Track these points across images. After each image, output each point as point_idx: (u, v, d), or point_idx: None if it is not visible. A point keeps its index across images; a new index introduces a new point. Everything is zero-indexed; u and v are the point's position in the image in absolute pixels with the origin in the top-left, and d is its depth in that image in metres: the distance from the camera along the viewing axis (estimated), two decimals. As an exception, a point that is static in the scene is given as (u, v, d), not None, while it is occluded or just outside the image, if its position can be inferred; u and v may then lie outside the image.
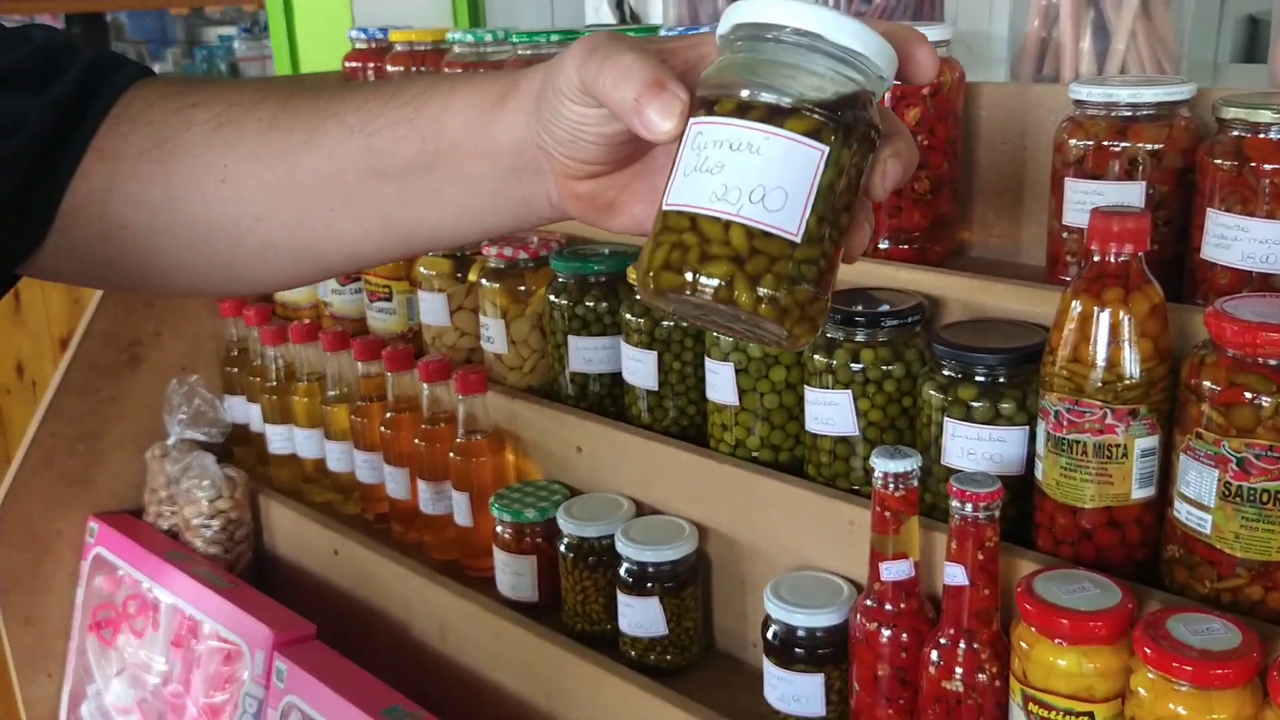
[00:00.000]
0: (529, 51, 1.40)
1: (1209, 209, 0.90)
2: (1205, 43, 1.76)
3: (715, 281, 0.47)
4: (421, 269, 1.38)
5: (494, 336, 1.31)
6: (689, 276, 0.47)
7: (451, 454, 1.28)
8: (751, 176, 0.47)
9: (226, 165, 0.62)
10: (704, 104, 0.50)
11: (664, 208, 0.49)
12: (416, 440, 1.32)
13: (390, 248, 0.64)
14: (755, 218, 0.47)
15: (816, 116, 0.48)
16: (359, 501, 1.45)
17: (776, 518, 1.06)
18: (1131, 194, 0.94)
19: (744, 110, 0.48)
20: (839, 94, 0.48)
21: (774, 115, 0.48)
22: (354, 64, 1.61)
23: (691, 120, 0.49)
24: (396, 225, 0.62)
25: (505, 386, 1.31)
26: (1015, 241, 1.14)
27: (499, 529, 1.21)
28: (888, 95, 1.05)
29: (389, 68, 1.55)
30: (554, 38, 1.38)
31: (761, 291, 0.47)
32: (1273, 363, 0.77)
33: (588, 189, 0.58)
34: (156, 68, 4.76)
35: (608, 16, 1.89)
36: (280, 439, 1.51)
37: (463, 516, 1.29)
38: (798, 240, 0.47)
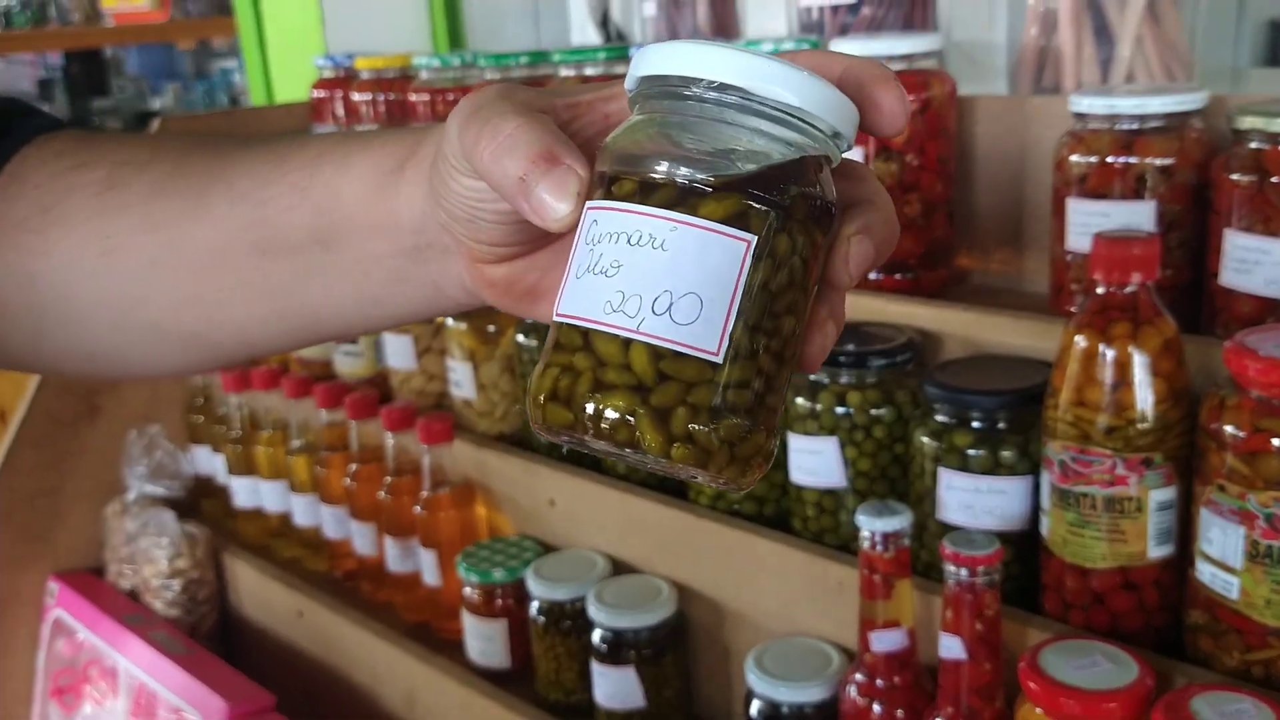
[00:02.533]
0: (498, 75, 1.32)
1: (1226, 230, 0.81)
2: (1223, 50, 1.66)
3: (613, 418, 0.36)
4: (387, 309, 1.29)
5: (461, 380, 1.23)
6: (581, 412, 0.37)
7: (417, 508, 1.19)
8: (656, 280, 0.36)
9: (110, 235, 0.54)
10: (603, 181, 0.39)
11: (554, 318, 0.39)
12: (381, 493, 1.23)
13: (288, 336, 0.56)
14: (661, 334, 0.36)
15: (740, 197, 0.37)
16: (327, 558, 1.36)
17: (761, 578, 0.96)
18: (1140, 215, 0.85)
19: (646, 192, 0.37)
20: (772, 164, 0.37)
21: (684, 198, 0.37)
22: (322, 93, 1.54)
23: (587, 205, 0.39)
24: (291, 311, 0.54)
25: (474, 434, 1.22)
26: (1018, 269, 1.05)
27: (467, 590, 1.12)
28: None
29: (355, 95, 1.47)
30: (522, 60, 1.30)
31: (674, 427, 0.36)
32: (1305, 404, 0.67)
33: (502, 274, 0.48)
34: (156, 103, 4.74)
35: (594, 36, 1.81)
36: (245, 491, 1.42)
37: (431, 575, 1.20)
38: (719, 360, 0.37)
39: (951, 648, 0.76)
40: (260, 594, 1.36)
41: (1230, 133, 0.82)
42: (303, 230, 0.51)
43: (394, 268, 0.50)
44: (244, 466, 1.42)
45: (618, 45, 1.29)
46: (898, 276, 1.02)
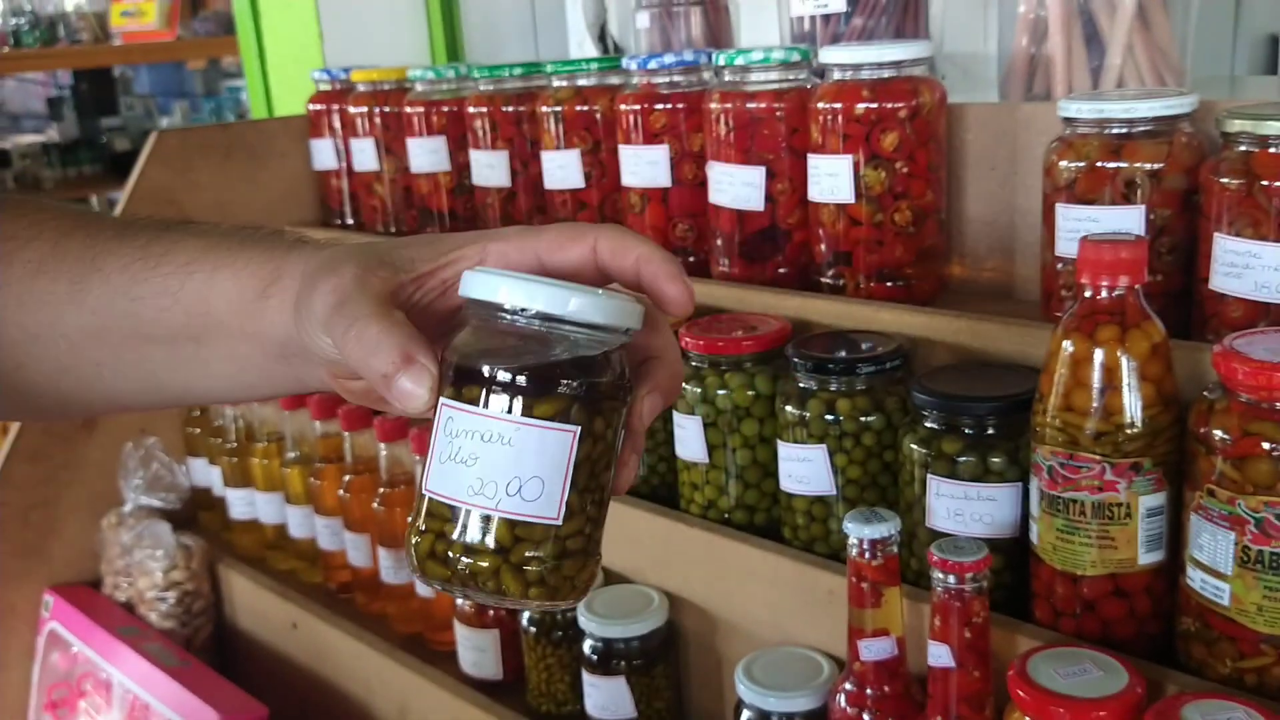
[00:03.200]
0: (491, 87, 1.32)
1: (1216, 234, 0.80)
2: (1220, 62, 1.66)
3: (482, 572, 0.47)
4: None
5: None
6: (454, 569, 0.47)
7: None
8: (506, 469, 0.47)
9: None
10: (453, 377, 0.48)
11: (424, 491, 0.49)
12: (375, 504, 1.23)
13: (164, 403, 0.63)
14: (514, 510, 0.47)
15: (564, 395, 0.47)
16: (322, 570, 1.36)
17: (751, 587, 0.96)
18: (1129, 220, 0.85)
19: (490, 396, 0.47)
20: (583, 362, 0.48)
21: (519, 400, 0.47)
22: (318, 106, 1.55)
23: (442, 401, 0.48)
24: (166, 387, 0.60)
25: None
26: (1009, 276, 1.05)
27: (459, 600, 1.12)
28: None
29: (350, 108, 1.47)
30: (516, 71, 1.30)
31: (529, 575, 0.48)
32: (1291, 407, 0.67)
33: (360, 385, 0.55)
34: (164, 122, 4.76)
35: (591, 49, 1.81)
36: (241, 503, 1.42)
37: (424, 586, 1.20)
38: (559, 522, 0.48)
39: (940, 656, 0.75)
40: (255, 606, 1.36)
41: (1219, 136, 0.81)
42: (176, 327, 0.56)
43: (262, 366, 0.57)
44: (240, 478, 1.41)
45: (610, 57, 1.29)
46: (889, 284, 1.02)
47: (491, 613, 1.11)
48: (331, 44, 1.81)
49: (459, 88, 1.40)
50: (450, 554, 0.47)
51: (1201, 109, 0.85)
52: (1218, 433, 0.69)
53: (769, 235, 1.09)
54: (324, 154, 1.55)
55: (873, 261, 1.01)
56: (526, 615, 1.06)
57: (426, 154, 1.40)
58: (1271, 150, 0.77)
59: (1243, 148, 0.79)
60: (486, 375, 0.47)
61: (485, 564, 0.47)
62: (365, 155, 1.47)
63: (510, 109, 1.30)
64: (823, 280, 1.05)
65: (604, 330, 0.48)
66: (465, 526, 0.47)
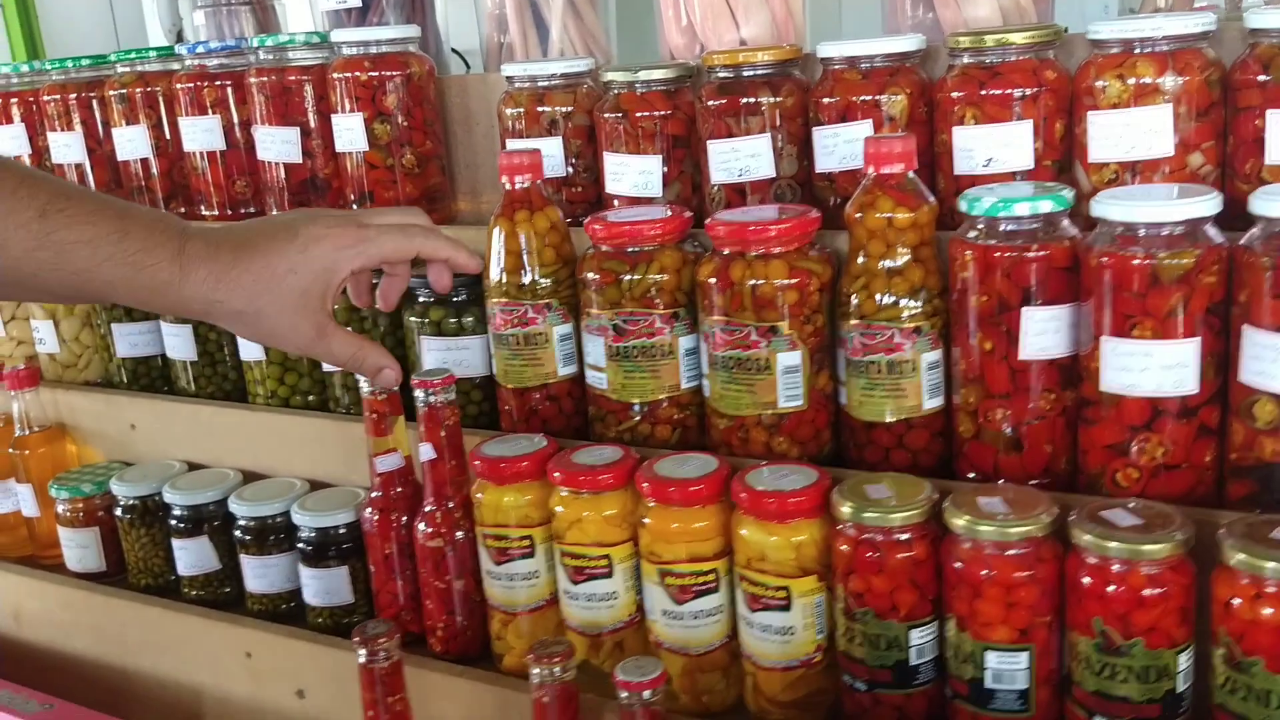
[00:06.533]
0: (63, 78, 1.50)
1: (605, 152, 1.16)
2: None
3: None
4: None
5: (45, 338, 1.40)
6: None
7: (10, 449, 1.35)
8: None
9: None
10: None
11: None
12: (-23, 443, 1.38)
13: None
14: None
15: None
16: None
17: (305, 449, 1.22)
18: (552, 146, 1.19)
19: None
20: None
21: None
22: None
23: None
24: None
25: (62, 382, 1.40)
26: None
27: (61, 509, 1.30)
28: (364, 84, 1.24)
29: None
30: (84, 63, 1.49)
31: None
32: (630, 250, 1.01)
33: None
34: None
35: (161, 39, 1.99)
36: None
37: (29, 508, 1.36)
38: None
39: (427, 452, 1.05)
40: None
41: (604, 85, 1.16)
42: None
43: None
44: None
45: (167, 46, 1.50)
46: (405, 215, 1.31)
47: (89, 513, 1.29)
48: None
49: (35, 80, 1.56)
50: None
51: (599, 70, 1.21)
52: (589, 274, 1.03)
53: (311, 184, 1.36)
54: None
55: (389, 198, 1.30)
56: (120, 507, 1.26)
57: (8, 140, 1.55)
58: (637, 92, 1.13)
59: (617, 92, 1.15)
60: None
61: None
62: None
63: (82, 95, 1.48)
64: (353, 215, 1.33)
65: None
66: None
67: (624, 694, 0.84)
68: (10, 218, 0.73)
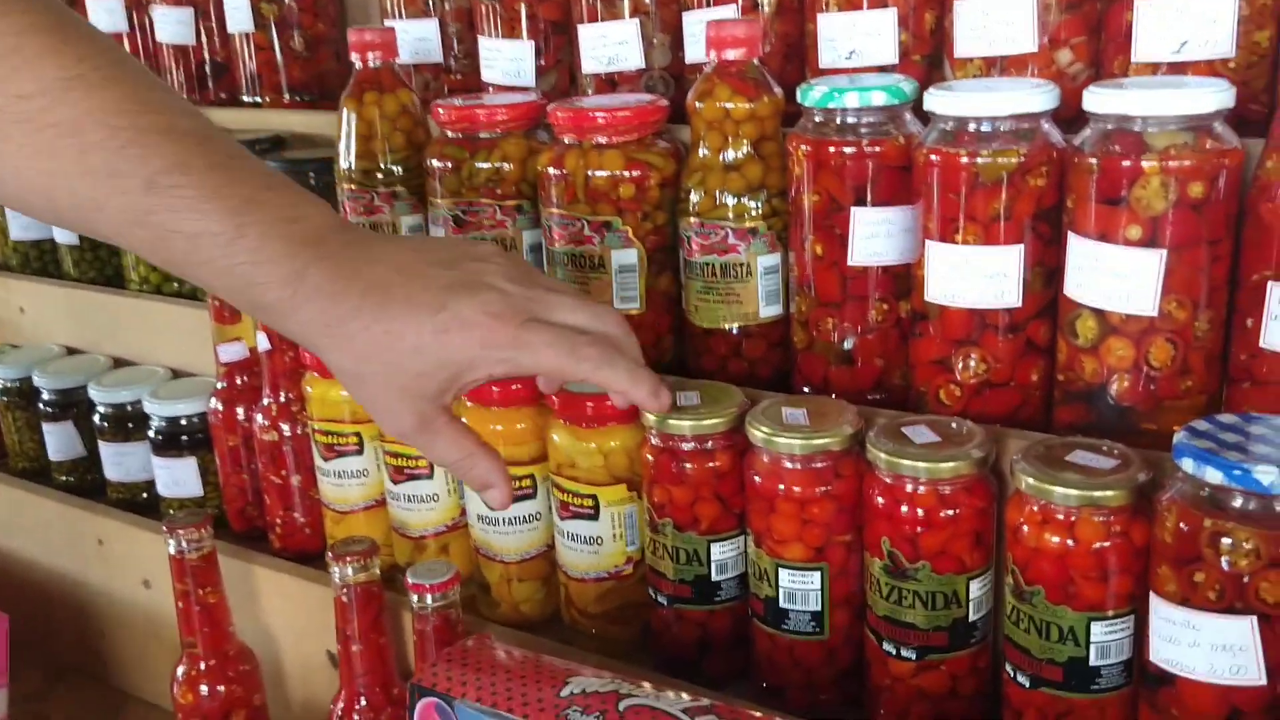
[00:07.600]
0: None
1: (480, 37, 1.10)
2: None
3: None
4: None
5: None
6: None
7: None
8: None
9: None
10: None
11: None
12: None
13: None
14: None
15: None
16: None
17: (183, 340, 1.19)
18: (426, 29, 1.13)
19: None
20: None
21: None
22: None
23: None
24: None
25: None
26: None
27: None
28: None
29: None
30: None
31: None
32: (482, 135, 0.96)
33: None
34: None
35: None
36: None
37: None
38: None
39: (263, 342, 1.01)
40: None
41: None
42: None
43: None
44: None
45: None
46: (298, 98, 1.26)
47: (-27, 395, 1.28)
48: None
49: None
50: None
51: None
52: (433, 161, 0.98)
53: (208, 69, 1.31)
54: None
55: (275, 80, 1.26)
56: (-2, 388, 1.25)
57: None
58: None
59: None
60: None
61: None
62: None
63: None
64: (244, 99, 1.29)
65: None
66: None
67: (414, 597, 0.81)
68: (113, 180, 0.59)
